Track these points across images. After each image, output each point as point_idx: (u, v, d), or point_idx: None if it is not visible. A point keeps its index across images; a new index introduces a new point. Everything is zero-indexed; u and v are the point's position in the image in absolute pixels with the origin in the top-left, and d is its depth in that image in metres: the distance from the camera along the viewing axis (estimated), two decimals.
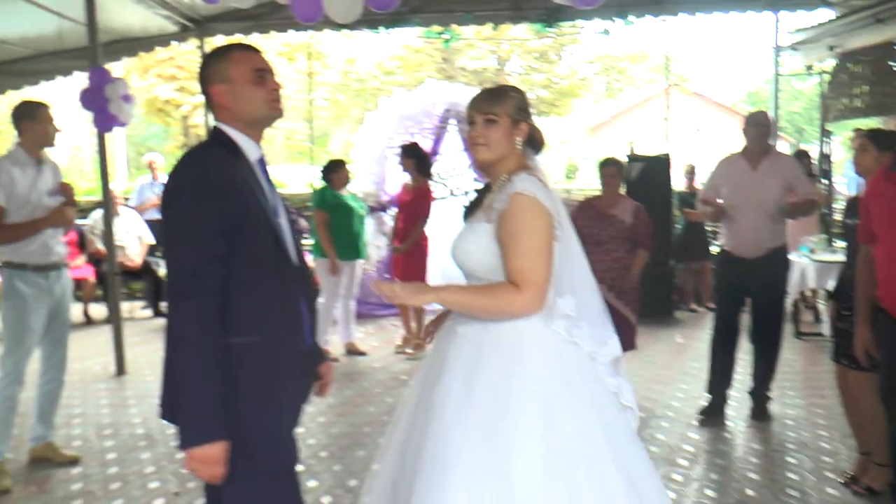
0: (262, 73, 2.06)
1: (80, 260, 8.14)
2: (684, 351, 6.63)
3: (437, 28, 9.12)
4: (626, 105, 26.09)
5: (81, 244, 8.22)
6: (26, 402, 4.14)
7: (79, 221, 8.15)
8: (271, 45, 22.15)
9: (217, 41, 12.05)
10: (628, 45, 25.99)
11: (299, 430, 2.18)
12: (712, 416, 4.78)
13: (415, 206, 6.45)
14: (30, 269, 3.93)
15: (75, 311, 7.97)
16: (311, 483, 3.80)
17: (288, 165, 22.50)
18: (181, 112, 22.30)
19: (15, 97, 9.53)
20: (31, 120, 3.95)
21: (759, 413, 4.82)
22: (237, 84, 2.03)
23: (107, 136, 6.21)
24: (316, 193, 6.68)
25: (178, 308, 1.90)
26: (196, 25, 8.47)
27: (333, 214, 6.27)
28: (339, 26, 8.65)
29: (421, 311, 6.57)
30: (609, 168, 5.11)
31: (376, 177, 8.22)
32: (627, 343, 4.98)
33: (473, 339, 2.12)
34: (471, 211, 2.30)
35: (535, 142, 2.25)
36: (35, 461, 4.13)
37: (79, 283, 7.98)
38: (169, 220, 1.98)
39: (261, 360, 1.96)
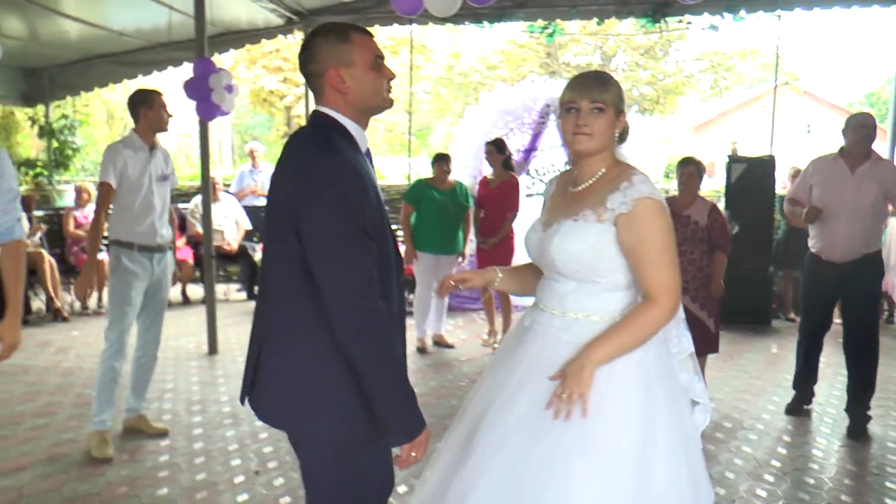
0: (381, 61, 1.98)
1: (181, 242, 8.50)
2: (779, 362, 6.32)
3: (541, 23, 9.06)
4: (733, 104, 25.16)
5: (182, 227, 8.58)
6: (123, 375, 4.35)
7: (181, 205, 8.53)
8: (376, 38, 22.55)
9: None
10: (737, 41, 25.06)
11: None
12: (795, 411, 4.89)
13: (503, 200, 6.41)
14: (136, 249, 4.12)
15: (174, 291, 8.37)
16: None
17: (388, 158, 22.82)
18: (285, 102, 22.95)
19: (130, 85, 10.07)
20: (147, 107, 4.14)
21: (857, 432, 4.56)
22: (359, 69, 1.93)
23: (211, 124, 6.44)
24: (410, 186, 6.67)
25: (367, 316, 1.80)
26: (301, 18, 8.68)
27: (419, 208, 6.32)
28: (442, 20, 8.71)
29: (508, 306, 6.54)
30: (688, 168, 4.96)
31: (473, 170, 8.20)
32: (704, 347, 4.89)
33: (571, 341, 2.08)
34: (560, 206, 2.20)
35: (623, 133, 2.16)
36: (128, 431, 4.35)
37: (178, 264, 8.34)
38: (328, 223, 1.81)
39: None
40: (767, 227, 7.55)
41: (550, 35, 9.55)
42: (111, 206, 4.16)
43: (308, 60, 1.96)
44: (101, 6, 7.53)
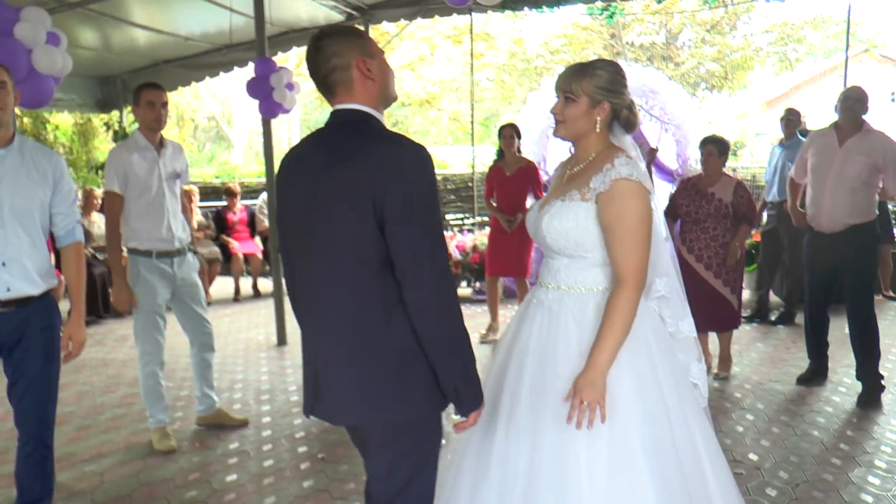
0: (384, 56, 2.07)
1: (258, 240, 8.78)
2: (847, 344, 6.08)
3: (600, 4, 8.97)
4: (807, 76, 24.13)
5: (251, 223, 8.85)
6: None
7: (249, 202, 8.78)
8: (439, 28, 22.56)
9: (384, 28, 12.50)
10: (807, 10, 23.78)
11: None
12: (808, 382, 5.02)
13: (522, 186, 6.18)
14: (154, 256, 4.02)
15: (245, 284, 8.65)
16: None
17: (454, 147, 22.85)
18: None
19: (199, 88, 10.40)
20: (135, 104, 4.01)
21: (869, 400, 4.67)
22: (379, 60, 2.01)
23: (278, 121, 6.62)
24: None
25: (451, 297, 1.90)
26: (361, 13, 8.79)
27: None
28: (500, 7, 8.70)
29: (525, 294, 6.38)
30: (706, 147, 5.14)
31: (537, 156, 8.16)
32: (727, 322, 5.16)
33: (562, 311, 2.21)
34: (556, 188, 2.33)
35: (625, 121, 2.23)
36: (208, 426, 4.43)
37: (248, 259, 8.63)
38: (424, 206, 1.86)
39: None
40: None
41: (611, 16, 9.45)
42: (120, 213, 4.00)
43: (330, 56, 1.96)
44: (168, 13, 7.80)
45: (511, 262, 6.22)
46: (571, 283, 2.22)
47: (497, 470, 2.15)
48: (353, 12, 8.70)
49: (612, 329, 2.05)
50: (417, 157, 1.88)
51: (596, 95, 2.17)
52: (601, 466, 2.01)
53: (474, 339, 6.20)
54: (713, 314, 5.08)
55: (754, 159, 17.11)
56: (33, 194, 2.83)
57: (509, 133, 6.22)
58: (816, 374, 5.04)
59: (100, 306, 7.37)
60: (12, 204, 2.76)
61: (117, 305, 4.06)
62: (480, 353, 5.97)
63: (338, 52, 1.95)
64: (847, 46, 8.38)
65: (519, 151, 6.29)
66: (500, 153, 6.32)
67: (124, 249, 4.08)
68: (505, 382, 2.24)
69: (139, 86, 4.05)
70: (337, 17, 8.74)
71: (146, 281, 4.02)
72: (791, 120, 7.01)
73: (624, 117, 2.22)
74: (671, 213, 5.29)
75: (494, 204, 6.30)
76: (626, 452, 2.02)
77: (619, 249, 2.08)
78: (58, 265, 4.13)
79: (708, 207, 5.03)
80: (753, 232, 6.61)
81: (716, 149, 5.09)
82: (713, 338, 5.38)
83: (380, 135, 1.94)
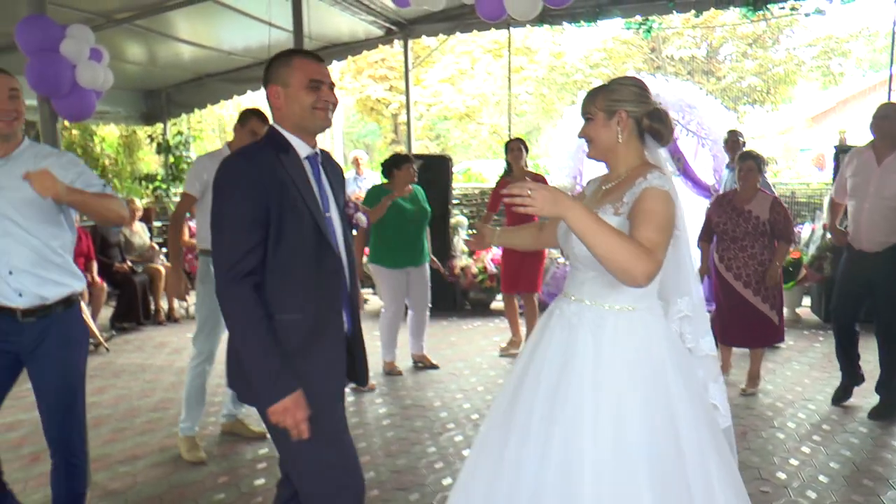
0: (318, 84, 2.19)
1: None
2: None
3: (637, 19, 8.98)
4: (855, 90, 23.56)
5: None
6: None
7: None
8: (480, 42, 22.67)
9: (424, 42, 12.64)
10: (853, 23, 23.17)
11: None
12: (843, 398, 4.93)
13: None
14: None
15: None
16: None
17: (493, 161, 22.87)
18: (391, 110, 23.45)
19: (240, 101, 10.63)
20: (240, 124, 4.21)
21: (882, 412, 4.66)
22: (293, 89, 2.18)
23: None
24: (368, 192, 5.90)
25: (225, 291, 2.13)
26: (400, 28, 8.92)
27: (382, 218, 5.53)
28: (539, 22, 8.75)
29: (533, 311, 6.33)
30: (746, 162, 5.10)
31: (572, 171, 8.17)
32: (767, 339, 5.17)
33: (581, 325, 2.21)
34: (591, 202, 2.34)
35: (650, 130, 2.23)
36: (226, 434, 4.51)
37: None
38: (216, 212, 2.15)
39: (300, 334, 2.17)
40: None
41: (648, 31, 9.42)
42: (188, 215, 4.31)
43: (264, 82, 2.25)
44: (211, 28, 8.01)
45: (521, 279, 6.28)
46: (594, 298, 2.21)
47: (510, 472, 2.18)
48: (392, 27, 8.84)
49: (613, 237, 1.92)
50: (226, 173, 2.14)
51: (610, 107, 2.21)
52: (606, 479, 2.02)
53: (493, 354, 6.34)
54: (753, 331, 5.10)
55: (798, 175, 16.79)
56: (38, 201, 2.65)
57: (516, 146, 6.21)
58: (850, 387, 4.93)
59: (140, 314, 7.52)
60: (15, 213, 2.67)
61: (168, 291, 4.30)
62: (500, 364, 6.08)
63: (268, 80, 2.23)
64: (892, 62, 8.20)
65: (526, 165, 6.29)
66: (509, 167, 6.30)
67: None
68: (523, 389, 2.26)
69: (249, 111, 4.21)
70: (376, 32, 8.90)
71: (213, 280, 4.12)
72: (735, 141, 6.90)
73: (646, 126, 2.21)
74: (706, 233, 5.26)
75: (506, 220, 6.27)
76: (629, 467, 2.02)
77: (646, 231, 2.01)
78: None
79: (746, 226, 5.00)
80: (792, 249, 6.53)
81: (756, 164, 5.08)
82: (738, 351, 5.35)
83: (243, 149, 2.24)
